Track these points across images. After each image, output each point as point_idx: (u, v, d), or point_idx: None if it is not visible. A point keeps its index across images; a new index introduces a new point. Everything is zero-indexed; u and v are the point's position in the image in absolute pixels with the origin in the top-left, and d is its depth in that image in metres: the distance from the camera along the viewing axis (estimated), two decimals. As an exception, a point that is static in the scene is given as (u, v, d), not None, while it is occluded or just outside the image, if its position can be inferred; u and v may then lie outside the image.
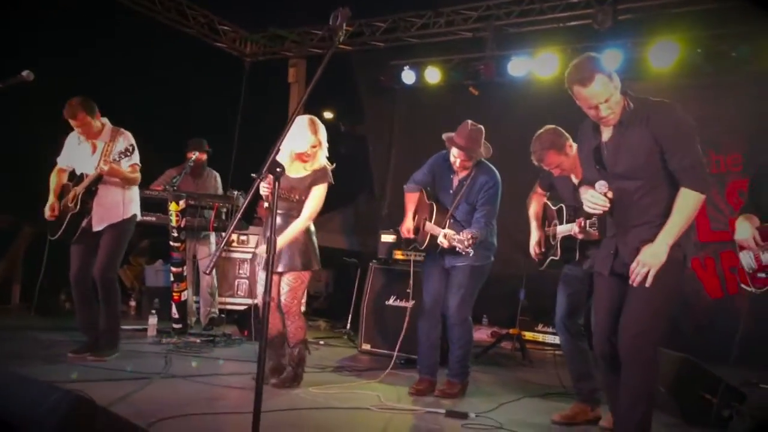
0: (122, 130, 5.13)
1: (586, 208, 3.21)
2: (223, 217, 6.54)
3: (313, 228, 4.62)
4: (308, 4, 7.73)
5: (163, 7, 8.10)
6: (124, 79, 7.51)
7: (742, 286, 4.17)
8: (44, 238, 7.46)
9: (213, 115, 8.42)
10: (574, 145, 4.00)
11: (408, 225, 4.79)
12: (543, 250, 4.33)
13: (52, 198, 5.09)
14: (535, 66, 7.50)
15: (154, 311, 6.20)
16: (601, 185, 3.09)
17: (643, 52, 6.94)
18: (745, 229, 4.00)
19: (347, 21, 2.56)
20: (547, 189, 4.44)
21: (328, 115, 10.26)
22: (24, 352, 4.97)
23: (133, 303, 7.69)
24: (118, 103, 5.70)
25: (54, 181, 5.16)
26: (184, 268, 6.25)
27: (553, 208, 4.31)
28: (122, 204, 5.07)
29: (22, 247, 7.64)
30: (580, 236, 3.90)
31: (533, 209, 4.47)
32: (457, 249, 4.25)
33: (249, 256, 7.40)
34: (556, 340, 6.94)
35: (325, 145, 4.50)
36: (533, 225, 4.44)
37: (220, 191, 7.07)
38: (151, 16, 8.03)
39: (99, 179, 4.96)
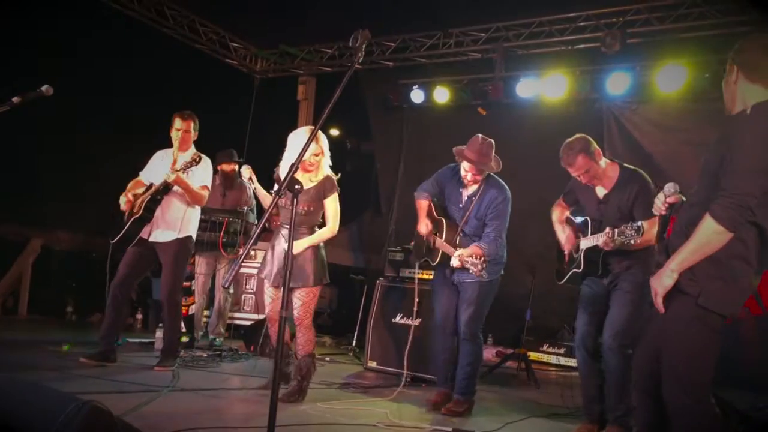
0: (203, 156, 5.27)
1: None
2: (238, 233, 6.51)
3: (322, 244, 4.66)
4: (318, 23, 7.85)
5: (175, 23, 8.22)
6: (135, 93, 7.60)
7: None
8: (51, 251, 7.55)
9: (222, 131, 8.49)
10: (604, 159, 4.04)
11: (426, 224, 4.76)
12: (568, 258, 4.28)
13: (126, 194, 5.19)
14: (543, 87, 7.58)
15: (161, 324, 6.21)
16: (669, 187, 2.93)
17: (651, 75, 7.00)
18: None
19: (367, 42, 2.61)
20: (571, 204, 4.41)
21: (334, 132, 10.37)
22: (36, 362, 4.99)
23: (139, 316, 7.71)
24: (128, 117, 5.80)
25: (131, 184, 5.28)
26: (192, 282, 6.27)
27: (576, 221, 4.29)
28: (182, 221, 5.21)
29: (29, 259, 7.70)
30: (609, 246, 3.81)
31: (556, 215, 4.42)
32: (471, 271, 4.30)
33: (256, 271, 7.41)
34: (561, 360, 6.99)
35: (327, 154, 4.55)
36: (558, 229, 4.37)
37: (253, 205, 6.93)
38: (163, 31, 8.15)
39: (166, 189, 5.08)
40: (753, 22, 6.19)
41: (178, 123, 5.25)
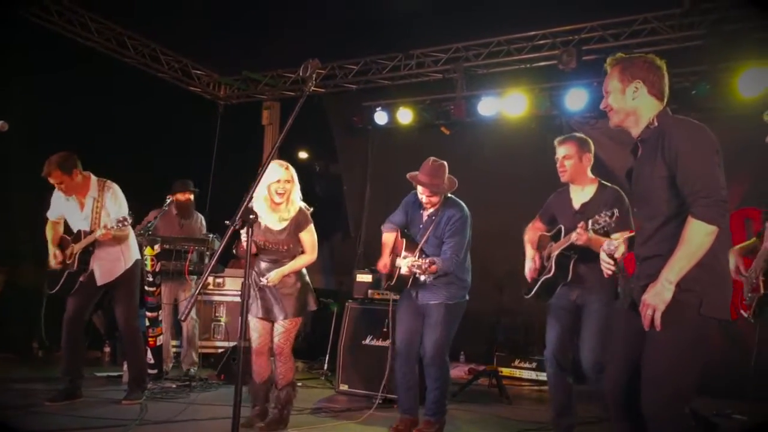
0: (108, 183, 5.17)
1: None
2: (205, 260, 6.50)
3: (305, 271, 4.67)
4: (280, 48, 7.89)
5: (136, 53, 8.19)
6: (98, 124, 7.54)
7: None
8: (15, 286, 7.42)
9: (188, 159, 8.46)
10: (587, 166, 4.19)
11: (384, 261, 4.83)
12: (536, 274, 4.25)
13: (52, 248, 5.14)
14: (504, 105, 7.69)
15: (128, 357, 6.13)
16: (609, 244, 2.97)
17: (607, 90, 7.12)
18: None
19: (317, 69, 2.64)
20: (547, 222, 4.40)
21: (302, 155, 10.37)
22: (1, 401, 4.89)
23: (107, 349, 7.59)
24: (91, 148, 5.69)
25: (50, 233, 5.21)
26: (160, 312, 6.19)
27: (549, 234, 4.28)
28: (122, 257, 5.20)
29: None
30: (583, 238, 3.77)
31: (528, 236, 4.41)
32: (417, 275, 4.33)
33: (226, 299, 7.39)
34: (533, 375, 7.03)
35: (297, 183, 4.53)
36: (528, 249, 4.35)
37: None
38: (124, 61, 8.12)
39: (95, 241, 5.01)
40: (701, 36, 6.38)
41: (50, 181, 4.95)
